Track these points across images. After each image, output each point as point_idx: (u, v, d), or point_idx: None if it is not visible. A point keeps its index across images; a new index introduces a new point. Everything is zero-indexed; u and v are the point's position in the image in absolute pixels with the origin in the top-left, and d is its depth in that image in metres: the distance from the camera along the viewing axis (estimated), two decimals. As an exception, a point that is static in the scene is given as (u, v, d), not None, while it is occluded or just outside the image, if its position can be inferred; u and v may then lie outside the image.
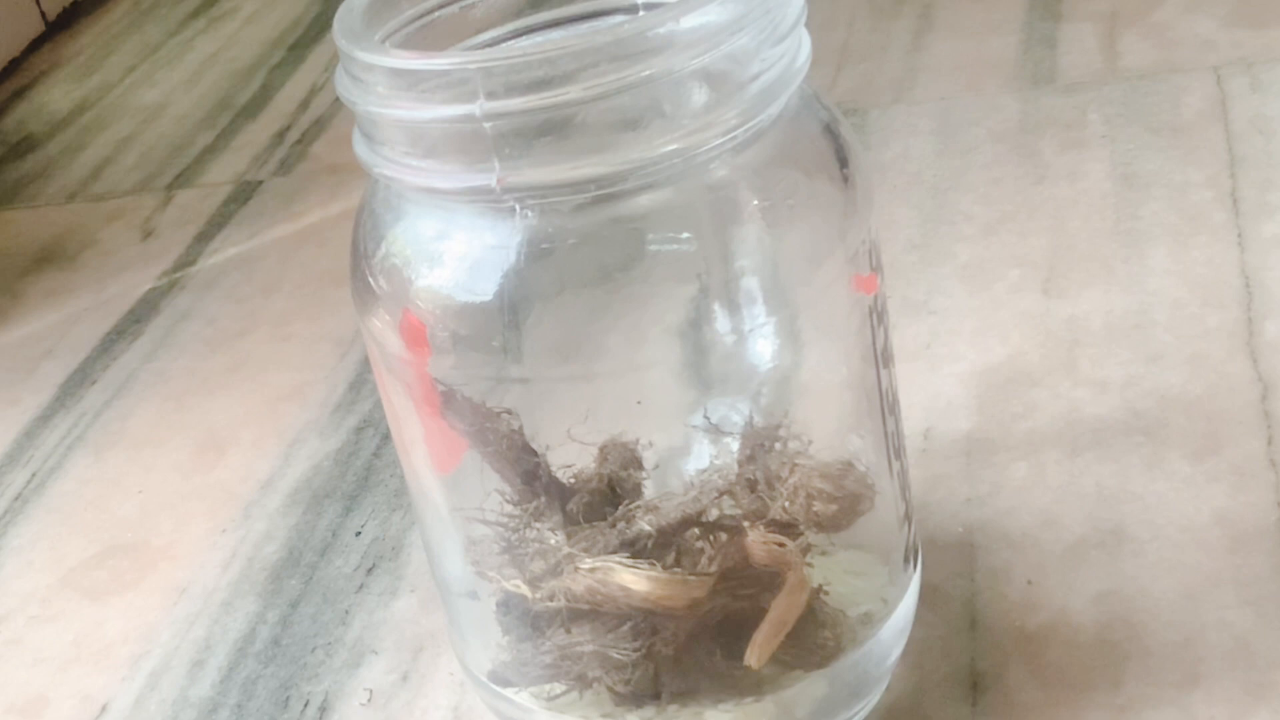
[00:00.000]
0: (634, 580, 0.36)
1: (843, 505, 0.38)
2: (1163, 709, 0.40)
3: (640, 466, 0.38)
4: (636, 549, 0.36)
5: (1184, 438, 0.48)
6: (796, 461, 0.38)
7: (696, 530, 0.37)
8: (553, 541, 0.37)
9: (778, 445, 0.38)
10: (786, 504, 0.38)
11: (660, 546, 0.37)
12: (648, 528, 0.36)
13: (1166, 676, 0.41)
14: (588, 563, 0.36)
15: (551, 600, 0.37)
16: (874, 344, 0.38)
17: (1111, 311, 0.54)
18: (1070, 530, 0.46)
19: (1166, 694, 0.40)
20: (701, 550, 0.37)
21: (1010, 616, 0.43)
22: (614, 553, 0.36)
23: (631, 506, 0.37)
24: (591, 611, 0.37)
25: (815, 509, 0.38)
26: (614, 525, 0.37)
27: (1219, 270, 0.55)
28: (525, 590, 0.37)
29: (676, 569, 0.36)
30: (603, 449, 0.38)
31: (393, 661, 0.47)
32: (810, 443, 0.38)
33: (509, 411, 0.37)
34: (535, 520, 0.38)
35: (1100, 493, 0.47)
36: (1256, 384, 0.50)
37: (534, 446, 0.37)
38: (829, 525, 0.38)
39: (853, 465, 0.39)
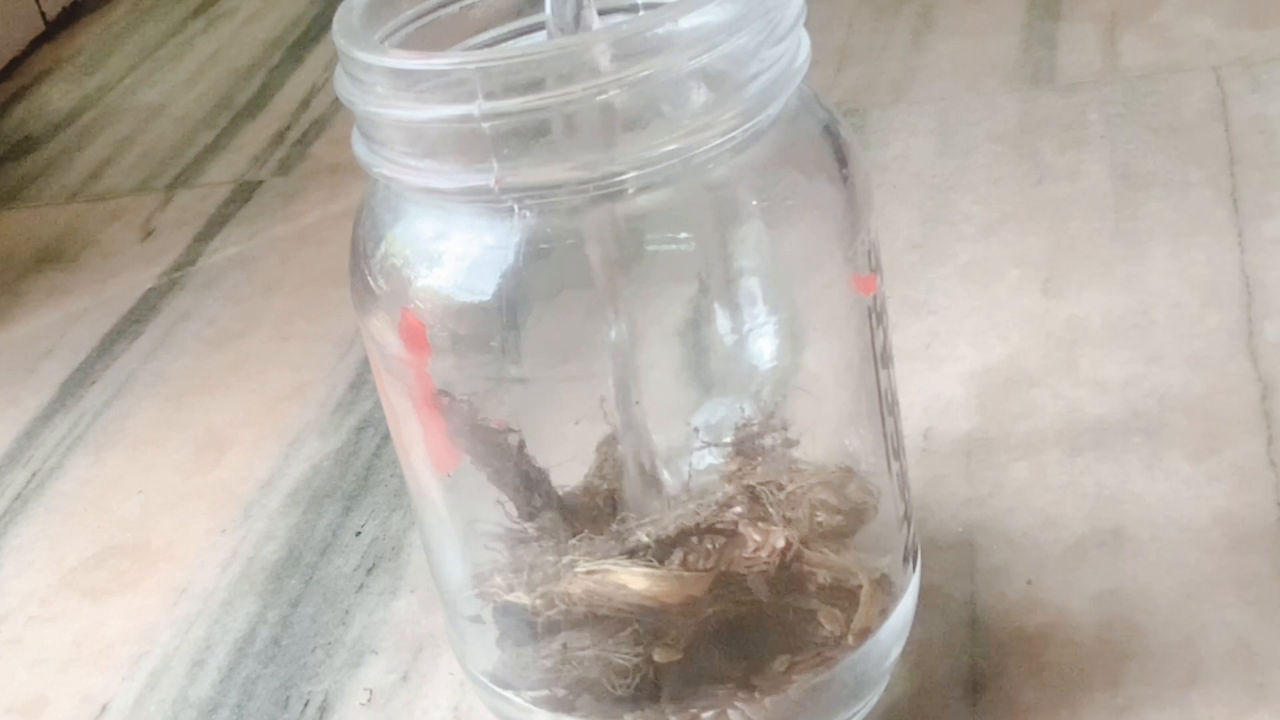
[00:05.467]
0: (631, 578, 0.36)
1: (847, 516, 0.38)
2: (1163, 709, 0.40)
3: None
4: (635, 556, 0.36)
5: (1184, 438, 0.48)
6: (796, 468, 0.38)
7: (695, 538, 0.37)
8: (551, 558, 0.37)
9: (775, 451, 0.38)
10: (788, 514, 0.38)
11: (659, 554, 0.37)
12: (645, 539, 0.36)
13: (1166, 676, 0.41)
14: (585, 566, 0.36)
15: (550, 608, 0.37)
16: (873, 344, 0.38)
17: (1111, 311, 0.54)
18: (1070, 530, 0.46)
19: (1166, 694, 0.40)
20: (701, 551, 0.37)
21: (1010, 616, 0.43)
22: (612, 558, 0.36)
23: (630, 523, 0.37)
24: (591, 616, 0.37)
25: (819, 520, 0.38)
26: (614, 539, 0.37)
27: (1219, 270, 0.55)
28: (524, 599, 0.37)
29: (674, 567, 0.36)
30: (600, 446, 0.38)
31: (393, 661, 0.47)
32: (799, 440, 0.38)
33: (512, 430, 0.37)
34: (541, 538, 0.37)
35: (1100, 493, 0.47)
36: (1256, 384, 0.50)
37: (538, 465, 0.38)
38: (833, 536, 0.38)
39: (852, 471, 0.39)
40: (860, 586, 0.38)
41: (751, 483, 0.38)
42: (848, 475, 0.39)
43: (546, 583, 0.37)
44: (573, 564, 0.37)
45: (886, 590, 0.39)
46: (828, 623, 0.38)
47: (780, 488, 0.38)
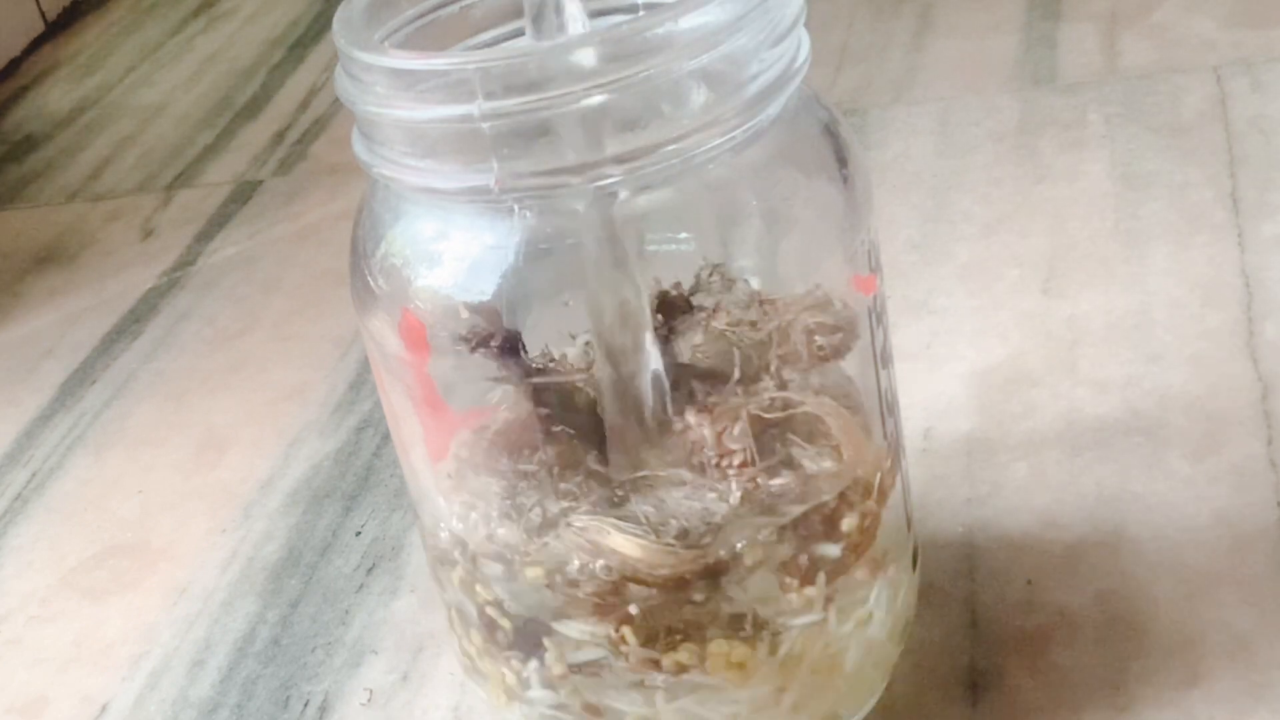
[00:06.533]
0: (625, 544, 0.35)
1: (845, 330, 0.37)
2: (1163, 709, 0.40)
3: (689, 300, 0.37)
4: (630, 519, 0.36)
5: (1184, 438, 0.48)
6: (769, 300, 0.36)
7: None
8: (547, 501, 0.36)
9: (735, 289, 0.36)
10: (780, 353, 0.36)
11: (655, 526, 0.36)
12: (645, 511, 0.36)
13: (1166, 676, 0.41)
14: (581, 520, 0.36)
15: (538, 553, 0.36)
16: (873, 345, 0.38)
17: (1111, 311, 0.54)
18: (1070, 530, 0.46)
19: (1166, 694, 0.40)
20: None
21: (1010, 616, 0.43)
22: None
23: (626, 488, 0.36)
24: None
25: (819, 342, 0.37)
26: (617, 500, 0.36)
27: (1219, 270, 0.55)
28: (519, 537, 0.36)
29: (670, 541, 0.35)
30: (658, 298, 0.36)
31: (393, 661, 0.47)
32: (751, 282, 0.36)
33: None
34: (538, 472, 0.36)
35: (1100, 493, 0.47)
36: (1256, 384, 0.50)
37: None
38: (835, 354, 0.37)
39: (825, 291, 0.37)
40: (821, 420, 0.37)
41: (720, 327, 0.36)
42: (826, 296, 0.37)
43: (539, 531, 0.36)
44: (567, 513, 0.36)
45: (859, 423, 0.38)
46: (812, 465, 0.36)
47: (754, 325, 0.36)
